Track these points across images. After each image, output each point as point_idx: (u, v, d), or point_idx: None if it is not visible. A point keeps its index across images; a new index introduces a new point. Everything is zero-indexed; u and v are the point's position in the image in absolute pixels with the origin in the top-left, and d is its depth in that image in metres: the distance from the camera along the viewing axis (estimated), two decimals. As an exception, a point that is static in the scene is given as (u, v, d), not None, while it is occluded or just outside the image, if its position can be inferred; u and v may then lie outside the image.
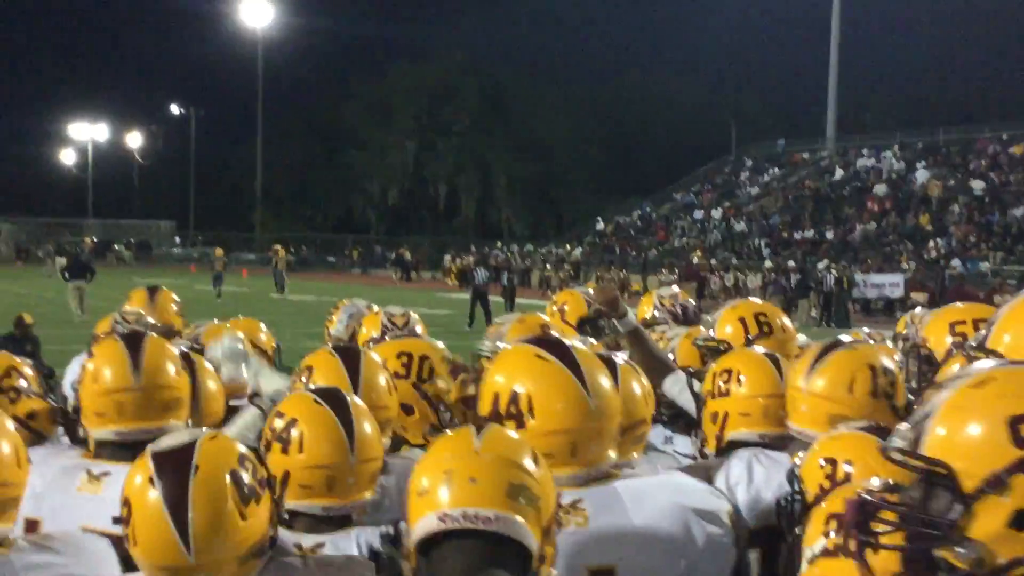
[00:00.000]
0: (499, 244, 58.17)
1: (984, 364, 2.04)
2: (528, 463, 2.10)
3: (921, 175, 50.19)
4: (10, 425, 2.76)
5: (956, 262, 39.17)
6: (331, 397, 3.03)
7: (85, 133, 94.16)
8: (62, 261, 37.42)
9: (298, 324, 21.14)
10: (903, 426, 1.98)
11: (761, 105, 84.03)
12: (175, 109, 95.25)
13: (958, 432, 1.84)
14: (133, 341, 3.49)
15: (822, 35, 54.54)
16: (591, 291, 5.44)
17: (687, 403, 4.37)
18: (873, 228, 47.21)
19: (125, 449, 3.25)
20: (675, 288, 5.63)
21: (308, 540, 2.88)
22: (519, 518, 1.98)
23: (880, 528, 1.94)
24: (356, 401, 3.16)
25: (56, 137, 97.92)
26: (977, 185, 46.97)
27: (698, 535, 2.62)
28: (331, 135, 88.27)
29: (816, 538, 2.26)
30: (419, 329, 5.37)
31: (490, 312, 29.26)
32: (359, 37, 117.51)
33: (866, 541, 1.97)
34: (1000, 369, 1.95)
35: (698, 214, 58.67)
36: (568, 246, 59.03)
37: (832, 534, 2.21)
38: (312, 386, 3.40)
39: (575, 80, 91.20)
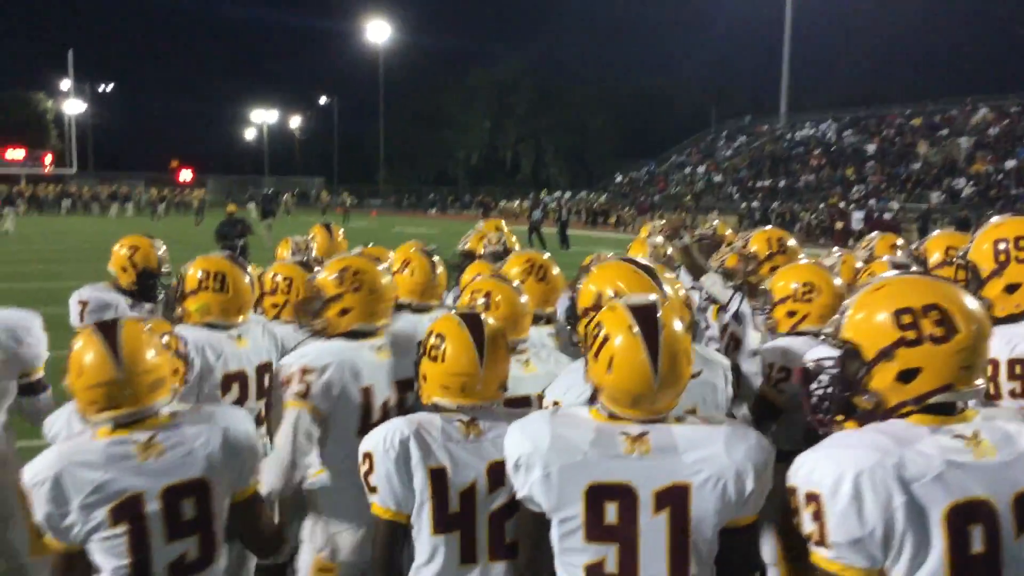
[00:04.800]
0: (544, 192, 57.70)
1: (881, 276, 2.06)
2: None
3: (847, 140, 49.39)
4: (143, 336, 2.41)
5: (872, 201, 38.71)
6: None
7: (261, 117, 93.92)
8: (251, 206, 37.17)
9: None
10: (834, 317, 2.05)
11: (734, 92, 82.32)
12: (323, 99, 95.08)
13: (861, 321, 1.93)
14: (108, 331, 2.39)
15: (778, 43, 53.48)
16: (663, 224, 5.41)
17: (718, 293, 4.33)
18: (812, 178, 46.69)
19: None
20: (659, 238, 5.19)
21: None
22: None
23: (815, 385, 2.09)
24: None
25: (242, 120, 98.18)
26: (886, 147, 46.08)
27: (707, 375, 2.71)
28: (431, 117, 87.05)
29: None
30: (518, 246, 5.12)
31: (544, 240, 29.24)
32: (450, 48, 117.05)
33: (807, 393, 2.11)
34: (890, 279, 1.99)
35: (687, 170, 57.73)
36: (595, 194, 58.86)
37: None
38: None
39: (603, 76, 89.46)
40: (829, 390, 2.05)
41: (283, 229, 22.03)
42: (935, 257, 3.58)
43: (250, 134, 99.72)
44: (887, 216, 33.25)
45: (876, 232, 5.18)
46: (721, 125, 64.50)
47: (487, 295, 3.10)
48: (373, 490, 2.42)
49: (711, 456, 2.08)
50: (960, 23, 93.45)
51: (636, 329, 2.11)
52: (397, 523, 2.42)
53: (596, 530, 2.10)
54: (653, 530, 2.07)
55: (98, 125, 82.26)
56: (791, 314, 3.44)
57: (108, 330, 2.40)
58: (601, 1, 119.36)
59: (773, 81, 56.93)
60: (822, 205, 36.95)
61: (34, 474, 2.30)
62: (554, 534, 2.17)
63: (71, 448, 2.34)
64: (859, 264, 4.45)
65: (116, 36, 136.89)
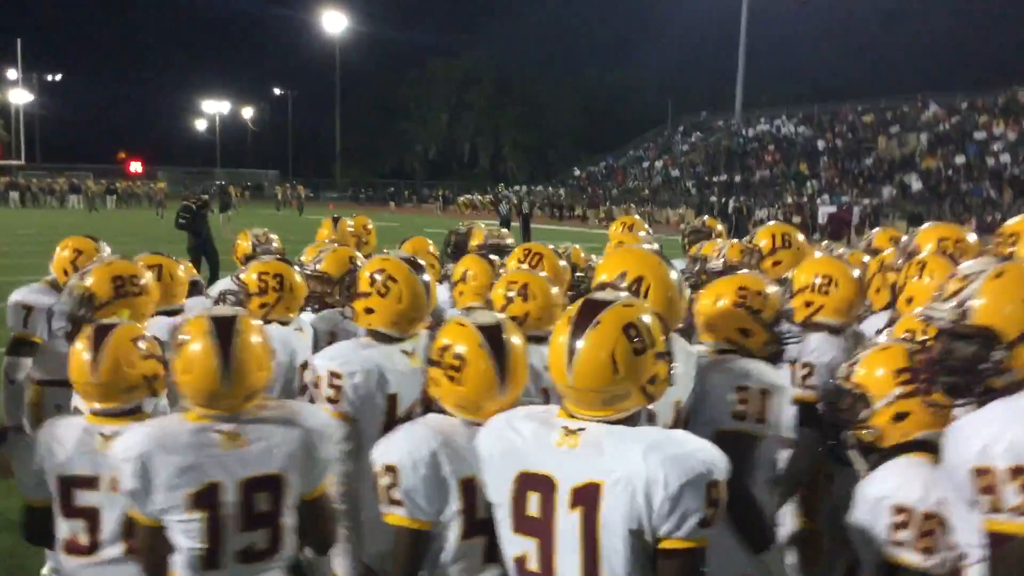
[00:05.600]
0: (501, 186, 57.64)
1: (991, 261, 2.20)
2: None
3: (801, 136, 50.20)
4: (255, 339, 2.47)
5: (825, 196, 39.42)
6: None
7: (214, 108, 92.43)
8: (205, 197, 37.05)
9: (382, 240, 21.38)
10: (945, 306, 2.16)
11: (690, 87, 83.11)
12: (277, 90, 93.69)
13: (996, 306, 2.07)
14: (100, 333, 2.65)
15: (734, 40, 54.17)
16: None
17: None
18: (767, 173, 47.37)
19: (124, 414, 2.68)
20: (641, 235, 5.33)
21: None
22: None
23: (938, 368, 2.19)
24: None
25: (193, 111, 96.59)
26: (839, 143, 46.95)
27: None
28: (388, 109, 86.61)
29: (889, 388, 2.42)
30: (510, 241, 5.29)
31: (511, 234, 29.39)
32: (408, 40, 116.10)
33: (932, 380, 2.22)
34: (1007, 264, 2.15)
35: (645, 165, 58.41)
36: (553, 188, 59.16)
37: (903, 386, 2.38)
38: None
39: (561, 71, 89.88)
40: (951, 374, 2.15)
41: (240, 221, 21.89)
42: (928, 248, 3.71)
43: (202, 125, 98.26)
44: (856, 210, 34.03)
45: (877, 228, 5.42)
46: (678, 120, 65.21)
47: (524, 287, 3.08)
48: (396, 503, 2.31)
49: (625, 457, 1.98)
50: (913, 21, 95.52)
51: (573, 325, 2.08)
52: (423, 531, 2.32)
53: (520, 520, 2.11)
54: (568, 528, 2.02)
55: (46, 116, 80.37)
56: (808, 304, 3.57)
57: (225, 333, 2.41)
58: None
59: (729, 78, 57.77)
60: (791, 200, 37.44)
61: (124, 450, 2.37)
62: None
63: (160, 429, 2.41)
64: (866, 259, 4.44)
65: (65, 25, 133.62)
